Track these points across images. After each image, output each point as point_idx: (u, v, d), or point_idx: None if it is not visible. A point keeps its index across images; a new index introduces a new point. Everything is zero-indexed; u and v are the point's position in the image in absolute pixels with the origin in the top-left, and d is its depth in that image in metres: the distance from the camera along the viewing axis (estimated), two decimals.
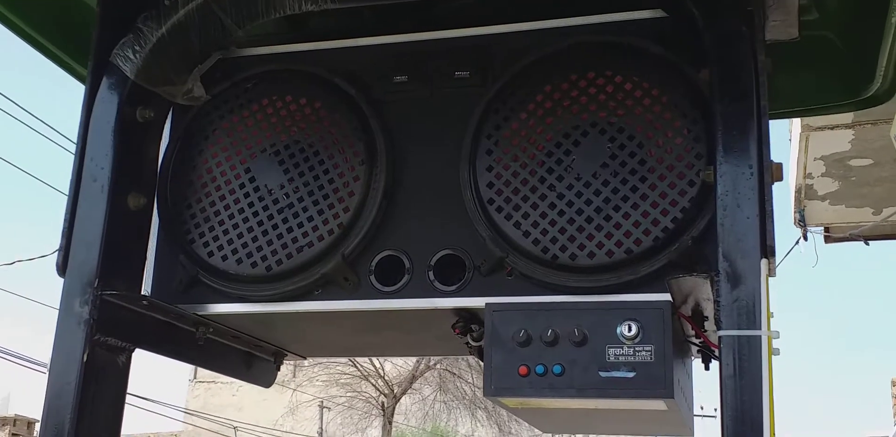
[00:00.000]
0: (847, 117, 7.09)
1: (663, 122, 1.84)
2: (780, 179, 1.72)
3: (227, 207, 2.03)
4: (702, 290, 1.73)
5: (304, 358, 2.55)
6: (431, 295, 1.91)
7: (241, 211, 2.02)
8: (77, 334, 1.83)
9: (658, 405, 1.73)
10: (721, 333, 1.58)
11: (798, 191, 8.83)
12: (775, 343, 1.61)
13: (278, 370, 2.49)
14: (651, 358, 1.69)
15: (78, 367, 1.80)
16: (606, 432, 2.43)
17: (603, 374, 1.70)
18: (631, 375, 1.69)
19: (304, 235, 1.97)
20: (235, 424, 24.85)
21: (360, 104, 2.04)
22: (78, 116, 2.03)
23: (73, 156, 2.01)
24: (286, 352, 2.45)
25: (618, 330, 1.72)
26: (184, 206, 2.06)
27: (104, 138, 1.97)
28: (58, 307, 1.87)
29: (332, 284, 1.97)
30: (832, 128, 7.32)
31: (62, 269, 1.90)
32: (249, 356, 2.38)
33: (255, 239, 2.00)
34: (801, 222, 9.16)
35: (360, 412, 26.69)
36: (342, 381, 26.61)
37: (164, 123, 2.13)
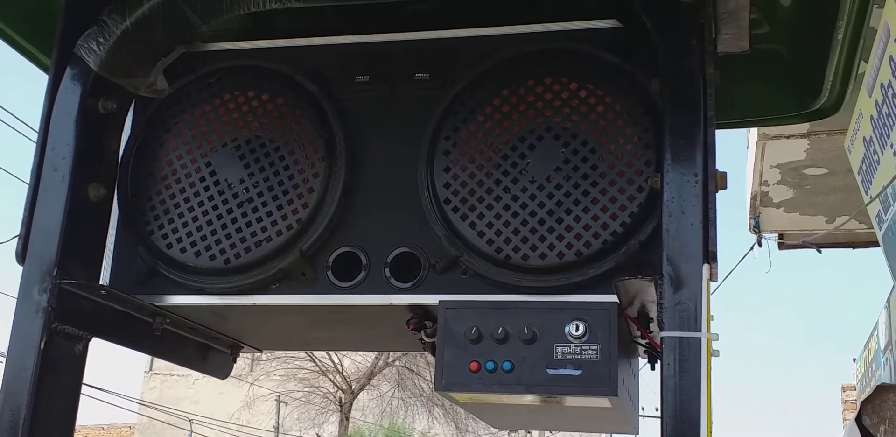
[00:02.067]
0: (803, 127, 7.24)
1: (615, 129, 1.90)
2: (725, 187, 1.78)
3: (186, 200, 2.06)
4: (647, 292, 1.79)
5: (261, 351, 2.58)
6: (387, 291, 1.96)
7: (201, 204, 2.05)
8: (35, 321, 1.85)
9: (602, 402, 1.78)
10: (663, 334, 1.64)
11: (754, 198, 8.98)
12: (715, 345, 1.67)
13: (234, 362, 2.52)
14: (597, 357, 1.75)
15: (35, 354, 1.82)
16: (555, 428, 2.49)
17: (550, 371, 1.76)
18: (577, 373, 1.75)
19: (263, 229, 2.01)
20: (191, 417, 24.69)
21: (321, 102, 2.07)
22: (40, 105, 2.05)
23: (34, 145, 2.02)
24: (243, 344, 2.48)
25: (566, 329, 1.78)
26: (144, 197, 2.09)
27: (66, 129, 1.99)
28: (15, 296, 1.89)
29: (289, 278, 2.00)
30: (788, 137, 7.47)
31: (21, 257, 1.92)
32: (206, 348, 2.40)
33: (213, 232, 2.02)
34: (756, 228, 9.32)
35: (317, 408, 26.63)
36: (300, 376, 26.55)
37: (127, 114, 2.15)
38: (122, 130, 2.13)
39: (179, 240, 2.04)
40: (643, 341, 2.01)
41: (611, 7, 1.97)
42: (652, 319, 1.92)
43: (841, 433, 11.20)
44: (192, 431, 24.95)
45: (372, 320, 2.08)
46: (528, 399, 1.81)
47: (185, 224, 2.05)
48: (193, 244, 2.03)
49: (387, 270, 1.97)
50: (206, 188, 2.06)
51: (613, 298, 1.80)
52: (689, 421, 1.58)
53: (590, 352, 1.75)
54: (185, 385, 32.92)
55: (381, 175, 2.03)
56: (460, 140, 1.98)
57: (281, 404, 28.03)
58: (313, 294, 1.99)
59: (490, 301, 1.85)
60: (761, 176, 8.57)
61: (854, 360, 13.56)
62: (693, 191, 1.71)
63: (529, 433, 25.69)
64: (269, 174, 2.04)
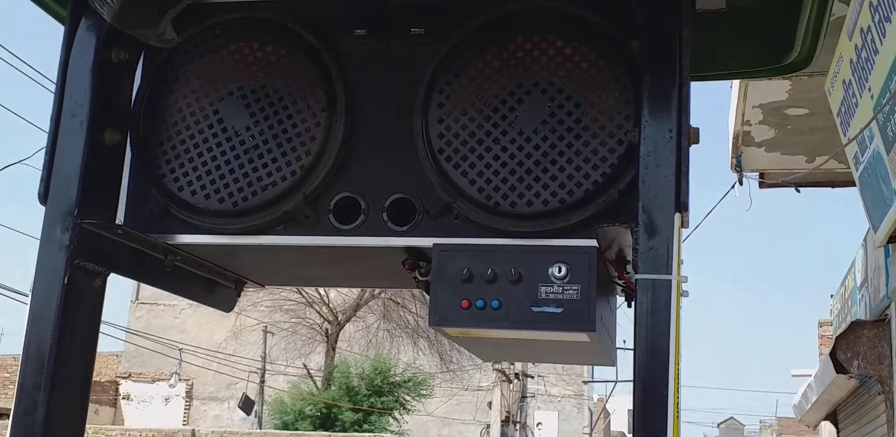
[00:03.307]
0: None
1: (598, 85, 2.03)
2: (697, 142, 1.93)
3: (196, 146, 2.18)
4: (624, 238, 1.95)
5: (263, 286, 2.74)
6: (384, 234, 2.10)
7: (210, 150, 2.17)
8: (58, 258, 1.99)
9: (581, 337, 1.96)
10: (637, 276, 1.81)
11: (735, 137, 9.14)
12: (684, 286, 1.84)
13: (238, 296, 2.68)
14: (577, 296, 1.91)
15: (59, 289, 1.97)
16: (537, 360, 2.68)
17: (535, 309, 1.92)
18: (559, 310, 1.91)
19: (269, 174, 2.14)
20: (179, 345, 25.08)
21: (321, 54, 2.18)
22: (56, 55, 2.16)
23: (50, 94, 2.14)
24: (246, 280, 2.63)
25: (549, 271, 1.93)
26: (156, 143, 2.21)
27: (83, 78, 2.10)
28: (35, 235, 2.03)
29: (293, 220, 2.14)
30: (770, 78, 7.57)
31: (43, 198, 2.05)
32: (212, 283, 2.56)
33: (222, 176, 2.16)
34: (738, 167, 9.51)
35: (303, 338, 27.08)
36: (286, 307, 26.90)
37: (138, 63, 2.26)
38: (134, 79, 2.24)
39: (190, 183, 2.17)
40: (620, 282, 2.18)
41: None
42: (629, 262, 2.08)
43: (816, 367, 11.56)
44: (181, 360, 25.39)
45: (370, 260, 2.24)
46: (514, 334, 1.98)
47: (195, 168, 2.18)
48: (203, 187, 2.16)
49: (384, 214, 2.11)
50: (215, 135, 2.18)
51: (593, 242, 1.95)
52: (659, 355, 1.75)
53: (571, 292, 1.92)
54: (171, 315, 33.29)
55: (379, 125, 2.16)
56: (453, 93, 2.10)
57: (268, 334, 28.48)
58: (316, 236, 2.13)
59: (480, 244, 2.00)
60: (743, 116, 8.71)
61: (831, 296, 13.89)
62: (668, 146, 1.86)
63: (512, 364, 26.28)
64: (273, 122, 2.16)
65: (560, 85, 2.05)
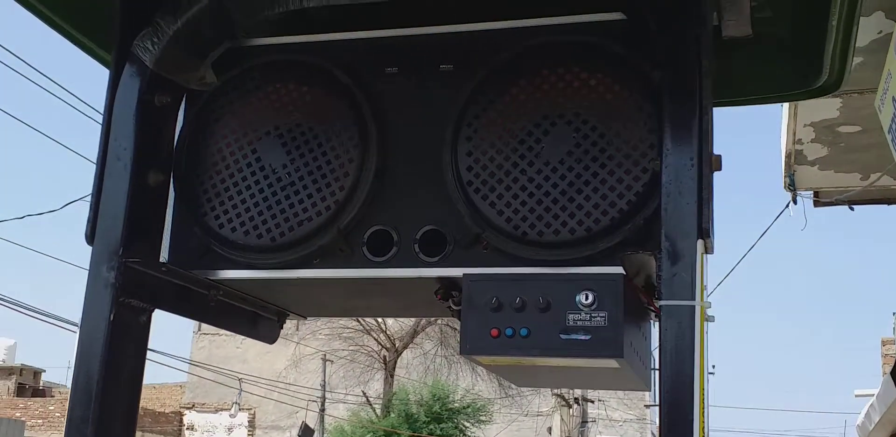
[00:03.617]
0: None
1: (622, 114, 2.07)
2: (719, 169, 1.96)
3: (235, 184, 2.27)
4: (650, 265, 1.98)
5: (305, 318, 2.81)
6: (416, 265, 2.16)
7: (249, 188, 2.26)
8: (104, 296, 2.08)
9: (611, 363, 1.98)
10: (661, 303, 1.84)
11: (788, 156, 9.04)
12: (710, 311, 1.86)
13: (281, 328, 2.75)
14: (605, 323, 1.94)
15: (105, 325, 2.05)
16: (570, 386, 2.71)
17: (563, 336, 1.95)
18: (587, 337, 1.94)
19: (305, 210, 2.21)
20: (240, 376, 25.35)
21: (354, 93, 2.26)
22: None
23: (97, 130, 2.24)
24: (288, 312, 2.70)
25: (577, 299, 1.96)
26: (197, 182, 2.30)
27: (126, 122, 2.20)
28: (67, 262, 2.13)
29: (329, 254, 2.21)
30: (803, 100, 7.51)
31: (90, 238, 2.15)
32: (255, 316, 2.63)
33: (260, 213, 2.24)
34: (791, 186, 9.39)
35: (362, 366, 27.21)
36: (344, 335, 27.09)
37: (180, 106, 2.36)
38: (176, 121, 2.34)
39: (230, 220, 2.25)
40: (651, 309, 2.20)
41: (617, 1, 2.13)
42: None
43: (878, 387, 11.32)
44: (241, 389, 25.65)
45: (403, 290, 2.29)
46: (544, 361, 2.02)
47: (234, 206, 2.26)
48: (243, 224, 2.24)
49: (416, 245, 2.17)
50: (253, 173, 2.27)
51: (620, 270, 1.99)
52: (684, 380, 1.78)
53: (598, 319, 1.95)
54: (233, 345, 33.70)
55: (409, 159, 2.23)
56: (481, 127, 2.16)
57: (327, 362, 28.66)
58: (350, 268, 2.20)
59: (509, 274, 2.04)
60: (794, 135, 8.62)
61: (894, 314, 13.63)
62: (689, 173, 1.89)
63: (571, 389, 26.05)
64: (308, 160, 2.24)
65: (585, 116, 2.10)
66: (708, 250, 1.91)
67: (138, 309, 2.16)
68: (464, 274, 2.07)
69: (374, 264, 2.19)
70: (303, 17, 2.46)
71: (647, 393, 36.76)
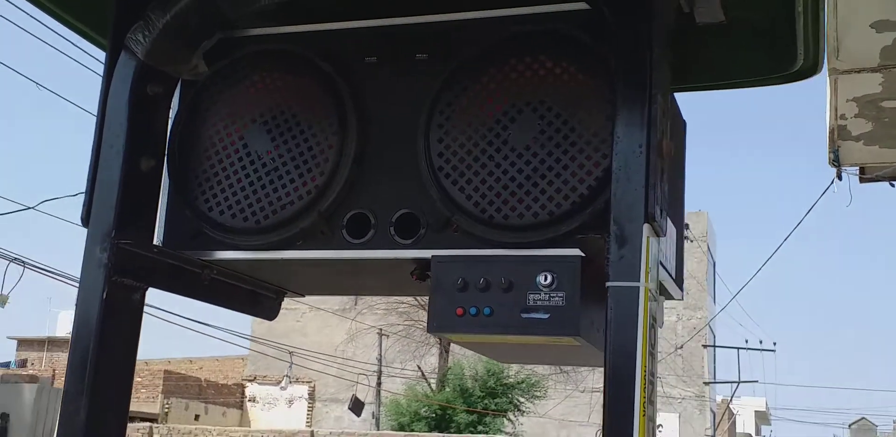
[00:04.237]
0: (872, 60, 7.16)
1: (585, 102, 2.14)
2: (670, 155, 2.02)
3: (224, 170, 2.39)
4: (604, 247, 2.06)
5: (303, 295, 2.94)
6: (392, 247, 2.26)
7: (236, 173, 2.38)
8: (98, 275, 2.22)
9: (569, 340, 2.07)
10: (608, 284, 1.92)
11: (832, 132, 8.92)
12: (677, 292, 1.95)
13: (280, 305, 2.89)
14: (563, 303, 2.03)
15: (99, 303, 2.20)
16: (539, 362, 2.80)
17: (524, 315, 2.05)
18: (546, 316, 2.03)
19: (287, 194, 2.33)
20: (291, 349, 25.81)
21: (335, 81, 2.36)
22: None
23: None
24: (286, 291, 2.84)
25: (537, 279, 2.06)
26: (189, 168, 2.43)
27: (119, 111, 2.33)
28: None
29: (310, 236, 2.32)
30: (858, 72, 7.40)
31: (85, 221, 2.28)
32: (255, 294, 2.76)
33: (247, 197, 2.36)
34: (836, 162, 9.26)
35: (417, 341, 27.51)
36: (400, 310, 27.39)
37: (173, 95, 2.47)
38: (168, 109, 2.46)
39: (219, 204, 2.38)
40: None
41: None
42: None
43: None
44: (291, 363, 26.13)
45: (384, 270, 2.40)
46: (506, 339, 2.11)
47: (223, 191, 2.38)
48: (230, 207, 2.37)
49: (392, 228, 2.27)
50: (240, 159, 2.39)
51: (578, 252, 2.07)
52: (627, 356, 1.87)
53: (557, 299, 2.04)
54: (293, 319, 34.22)
55: (386, 146, 2.32)
56: (452, 115, 2.25)
57: (383, 337, 29.03)
58: (330, 250, 2.31)
59: (474, 255, 2.14)
60: (836, 110, 8.49)
61: None
62: (638, 160, 1.96)
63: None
64: (291, 146, 2.35)
65: (549, 103, 2.17)
66: (657, 233, 1.98)
67: (131, 287, 2.30)
68: (432, 256, 2.17)
69: (352, 246, 2.30)
70: (290, 7, 2.56)
71: (705, 370, 36.54)
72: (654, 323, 1.96)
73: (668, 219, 2.31)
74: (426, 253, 2.22)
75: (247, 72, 2.45)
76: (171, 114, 2.49)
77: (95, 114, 2.37)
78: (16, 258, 11.97)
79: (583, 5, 2.22)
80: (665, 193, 2.03)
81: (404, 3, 2.39)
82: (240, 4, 2.32)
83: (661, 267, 2.20)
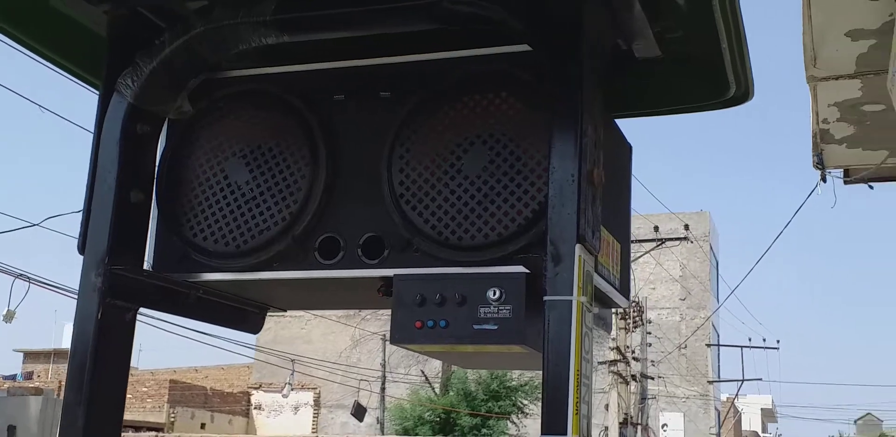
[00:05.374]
0: (849, 68, 7.37)
1: (529, 133, 2.38)
2: (602, 182, 2.25)
3: (207, 200, 2.63)
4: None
5: (284, 311, 3.17)
6: (360, 267, 2.50)
7: (218, 202, 2.61)
8: (93, 298, 2.45)
9: (517, 348, 2.30)
10: (546, 297, 2.15)
11: (815, 136, 9.13)
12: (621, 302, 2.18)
13: (263, 320, 3.12)
14: (510, 315, 2.26)
15: (94, 322, 2.43)
16: (496, 368, 3.03)
17: (475, 327, 2.28)
18: (495, 327, 2.26)
19: (264, 221, 2.56)
20: (293, 357, 26.02)
21: (307, 117, 2.60)
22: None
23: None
24: (269, 306, 3.07)
25: (487, 294, 2.28)
26: (175, 199, 2.66)
27: (111, 149, 2.56)
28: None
29: (286, 258, 2.55)
30: (836, 78, 7.61)
31: (81, 249, 2.52)
32: (239, 310, 2.99)
33: (227, 224, 2.59)
34: (820, 164, 9.49)
35: None
36: None
37: (160, 133, 2.71)
38: (156, 146, 2.69)
39: (202, 230, 2.61)
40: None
41: (524, 35, 2.43)
42: None
43: None
44: (293, 370, 26.35)
45: (353, 288, 2.64)
46: (461, 348, 2.35)
47: (206, 218, 2.62)
48: (213, 234, 2.60)
49: (359, 250, 2.51)
50: (222, 190, 2.62)
51: (523, 269, 2.30)
52: (562, 361, 2.10)
53: (504, 311, 2.26)
54: (297, 326, 34.49)
55: (353, 175, 2.56)
56: (412, 146, 2.49)
57: (386, 342, 29.22)
58: (304, 270, 2.54)
59: (432, 273, 2.37)
60: (818, 115, 8.70)
61: None
62: (570, 188, 2.19)
63: (628, 365, 26.21)
64: (267, 177, 2.59)
65: (498, 136, 2.41)
66: (590, 251, 2.21)
67: (123, 308, 2.53)
68: (394, 275, 2.40)
69: (324, 267, 2.53)
70: (266, 50, 2.79)
71: (709, 368, 36.72)
72: (589, 331, 2.19)
73: (611, 235, 2.54)
74: (390, 272, 2.45)
75: (226, 110, 2.69)
76: (159, 150, 2.72)
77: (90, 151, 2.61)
78: (21, 274, 12.21)
79: (526, 47, 2.45)
80: (598, 216, 2.26)
81: (369, 47, 2.63)
82: (220, 50, 2.55)
83: (602, 280, 2.44)
